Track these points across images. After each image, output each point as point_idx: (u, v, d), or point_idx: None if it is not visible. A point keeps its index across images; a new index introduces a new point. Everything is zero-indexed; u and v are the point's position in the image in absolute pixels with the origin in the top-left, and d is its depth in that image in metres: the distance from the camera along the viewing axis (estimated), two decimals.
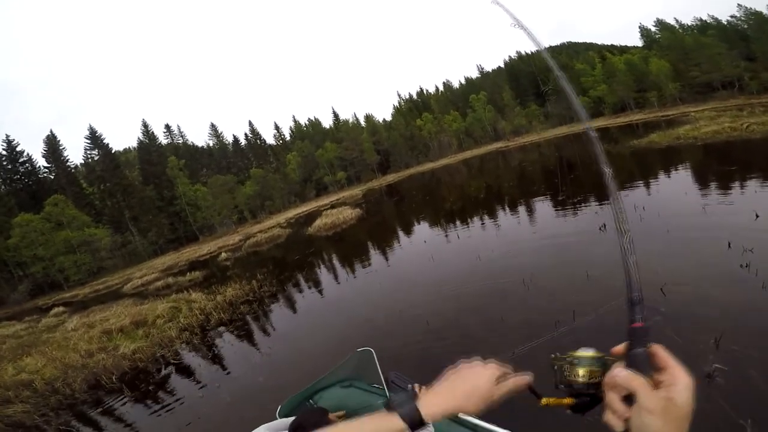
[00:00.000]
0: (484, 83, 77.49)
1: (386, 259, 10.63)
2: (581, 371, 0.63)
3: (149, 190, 49.64)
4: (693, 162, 12.72)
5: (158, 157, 53.84)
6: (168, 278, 19.37)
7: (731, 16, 47.16)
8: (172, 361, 7.55)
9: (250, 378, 5.80)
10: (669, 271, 5.01)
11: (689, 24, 54.55)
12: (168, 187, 50.06)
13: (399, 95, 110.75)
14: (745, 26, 44.39)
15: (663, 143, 17.21)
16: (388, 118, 79.31)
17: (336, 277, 10.25)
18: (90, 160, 49.61)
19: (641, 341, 0.58)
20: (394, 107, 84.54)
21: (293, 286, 10.58)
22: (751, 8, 43.60)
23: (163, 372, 7.11)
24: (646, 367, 0.56)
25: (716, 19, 50.08)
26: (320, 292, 9.32)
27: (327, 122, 78.56)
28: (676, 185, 9.70)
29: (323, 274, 11.16)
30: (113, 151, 51.81)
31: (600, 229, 7.35)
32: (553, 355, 0.68)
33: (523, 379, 0.74)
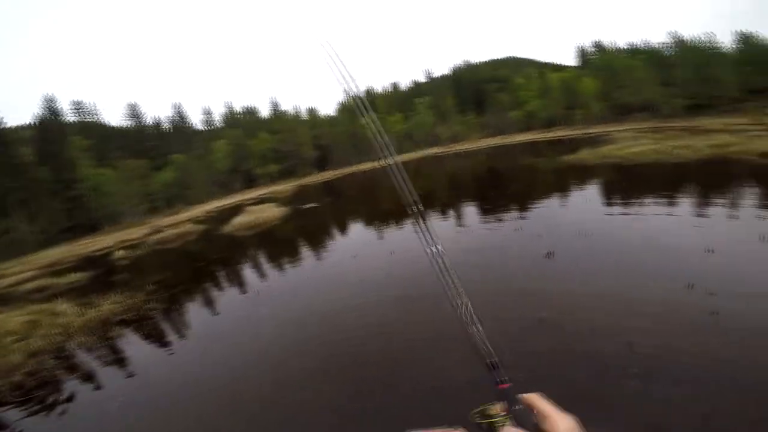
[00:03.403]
0: (430, 88, 78.33)
1: (305, 276, 9.05)
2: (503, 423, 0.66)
3: (44, 171, 42.64)
4: (627, 183, 12.67)
5: (59, 135, 46.49)
6: (44, 279, 16.11)
7: (660, 43, 52.01)
8: (5, 397, 5.75)
9: None
10: (631, 318, 4.35)
11: (623, 47, 59.33)
12: (68, 168, 43.36)
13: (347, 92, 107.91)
14: (671, 53, 48.85)
15: (592, 161, 17.61)
16: (333, 113, 76.88)
17: (236, 300, 8.33)
18: None
19: (513, 399, 0.65)
20: (340, 104, 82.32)
21: (183, 306, 8.69)
22: (680, 36, 48.30)
23: None
24: (529, 420, 0.61)
25: (647, 44, 54.95)
26: (212, 319, 7.56)
27: (266, 112, 74.30)
28: (614, 208, 9.40)
29: (223, 293, 9.16)
30: (5, 127, 43.80)
31: (546, 256, 6.64)
32: (474, 410, 0.70)
33: None
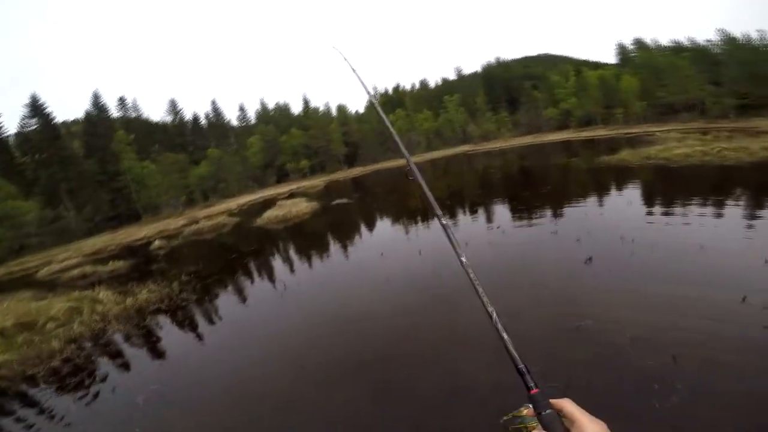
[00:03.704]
0: (460, 86, 77.14)
1: (333, 271, 9.03)
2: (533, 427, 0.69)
3: (91, 163, 45.18)
4: (672, 186, 11.89)
5: (105, 130, 49.10)
6: (88, 266, 16.98)
7: (707, 40, 48.38)
8: (42, 383, 5.94)
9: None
10: (677, 330, 3.99)
11: (666, 44, 55.64)
12: (112, 161, 45.77)
13: (375, 89, 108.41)
14: (719, 51, 45.44)
15: (634, 162, 16.62)
16: (362, 110, 77.32)
17: (266, 292, 8.41)
18: (27, 129, 44.41)
19: (543, 404, 0.66)
20: (368, 101, 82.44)
21: (216, 297, 8.88)
22: (729, 34, 44.82)
23: (18, 401, 5.56)
24: (557, 425, 0.63)
25: (693, 42, 51.31)
26: (243, 310, 7.74)
27: (297, 109, 75.55)
28: (659, 213, 8.77)
29: (254, 285, 9.39)
30: (58, 122, 46.73)
31: (586, 262, 6.29)
32: (505, 417, 0.74)
33: None
